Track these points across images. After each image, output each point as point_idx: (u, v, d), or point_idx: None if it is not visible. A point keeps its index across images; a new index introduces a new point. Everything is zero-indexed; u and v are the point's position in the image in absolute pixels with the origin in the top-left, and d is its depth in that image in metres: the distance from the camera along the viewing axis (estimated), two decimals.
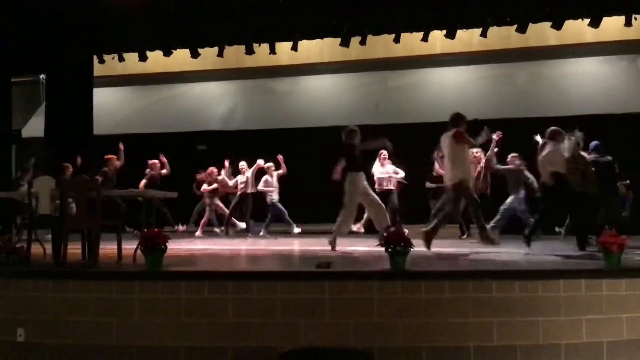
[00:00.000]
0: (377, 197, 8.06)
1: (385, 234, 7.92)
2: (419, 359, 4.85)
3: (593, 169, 8.20)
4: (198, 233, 11.78)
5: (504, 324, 4.88)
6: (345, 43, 10.97)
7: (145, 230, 5.99)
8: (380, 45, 12.12)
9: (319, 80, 14.73)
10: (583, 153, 8.35)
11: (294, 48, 11.41)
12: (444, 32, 10.62)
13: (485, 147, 9.86)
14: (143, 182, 11.52)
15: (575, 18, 10.17)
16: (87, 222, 6.23)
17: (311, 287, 4.98)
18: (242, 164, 11.42)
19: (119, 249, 6.47)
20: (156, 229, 5.75)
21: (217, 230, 12.06)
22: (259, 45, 11.44)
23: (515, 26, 10.36)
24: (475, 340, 4.87)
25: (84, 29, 11.09)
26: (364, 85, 14.26)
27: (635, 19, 9.92)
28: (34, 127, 14.16)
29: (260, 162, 11.55)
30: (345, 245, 9.10)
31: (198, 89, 15.33)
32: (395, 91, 13.86)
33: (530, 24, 10.23)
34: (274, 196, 11.60)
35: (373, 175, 10.82)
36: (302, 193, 11.62)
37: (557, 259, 6.45)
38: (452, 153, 7.49)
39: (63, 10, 10.67)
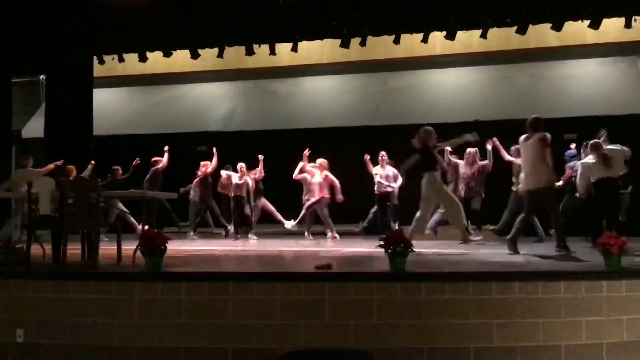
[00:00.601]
0: (453, 196, 8.03)
1: (463, 233, 8.01)
2: None
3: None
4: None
5: (504, 326, 4.88)
6: (345, 44, 10.98)
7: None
8: (381, 47, 12.13)
9: (319, 82, 14.73)
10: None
11: (294, 49, 11.42)
12: (444, 33, 10.64)
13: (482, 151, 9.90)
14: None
15: (575, 19, 10.18)
16: (87, 222, 6.22)
17: (311, 288, 4.97)
18: (242, 165, 11.38)
19: (119, 249, 6.46)
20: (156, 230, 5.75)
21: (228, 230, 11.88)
22: (259, 46, 11.45)
23: (515, 27, 10.38)
24: (476, 342, 4.86)
25: (84, 29, 11.09)
26: (364, 86, 14.26)
27: (635, 20, 9.93)
28: (34, 127, 14.16)
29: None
30: (345, 247, 9.11)
31: (198, 89, 15.34)
32: (395, 92, 13.86)
33: (531, 25, 10.25)
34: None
35: (373, 177, 10.76)
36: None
37: (557, 260, 6.45)
38: (539, 157, 7.20)
39: (63, 11, 10.67)
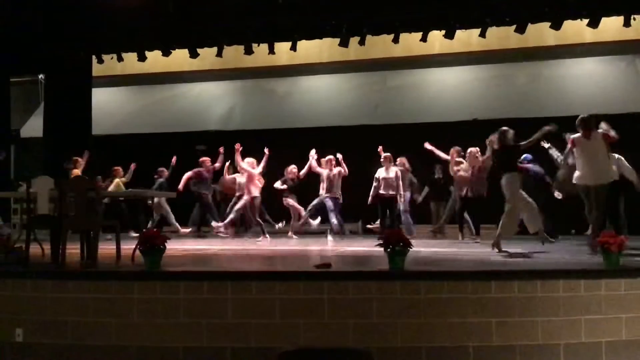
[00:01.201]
0: (529, 198, 8.04)
1: (541, 234, 7.98)
2: (418, 359, 4.85)
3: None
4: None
5: (503, 324, 4.89)
6: (344, 43, 10.98)
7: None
8: (379, 46, 12.12)
9: (317, 81, 14.73)
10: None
11: (293, 48, 11.41)
12: (443, 32, 10.63)
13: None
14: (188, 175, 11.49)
15: (574, 18, 10.18)
16: (86, 222, 6.22)
17: (310, 287, 4.98)
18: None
19: (118, 249, 6.46)
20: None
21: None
22: (258, 46, 11.44)
23: (514, 26, 10.37)
24: (475, 341, 4.87)
25: (83, 29, 11.08)
26: (363, 85, 14.26)
27: (634, 19, 9.93)
28: (33, 127, 14.15)
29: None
30: (344, 246, 9.11)
31: (197, 89, 15.33)
32: (394, 91, 13.86)
33: (530, 24, 10.25)
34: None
35: (378, 180, 10.66)
36: (302, 193, 11.60)
37: (556, 259, 6.45)
38: (603, 154, 7.41)
39: (62, 11, 10.66)
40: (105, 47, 11.86)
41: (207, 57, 12.11)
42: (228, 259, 7.33)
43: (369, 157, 10.83)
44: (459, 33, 10.67)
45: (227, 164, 11.65)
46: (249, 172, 10.61)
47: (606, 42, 11.96)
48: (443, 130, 11.68)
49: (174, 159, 11.76)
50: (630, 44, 12.09)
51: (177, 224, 11.51)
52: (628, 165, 8.52)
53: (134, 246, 5.95)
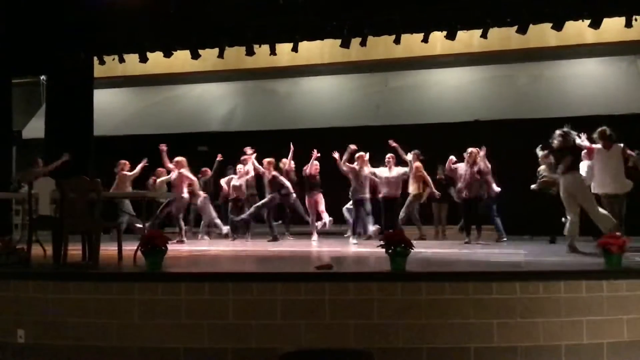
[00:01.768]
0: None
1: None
2: None
3: None
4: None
5: (505, 325, 4.88)
6: (345, 44, 10.97)
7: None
8: (381, 46, 12.11)
9: (319, 82, 14.73)
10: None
11: (295, 49, 11.40)
12: (445, 33, 10.61)
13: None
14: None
15: (575, 19, 10.16)
16: (87, 223, 6.23)
17: (311, 288, 4.98)
18: (240, 167, 11.32)
19: (119, 250, 6.47)
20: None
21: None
22: (260, 47, 11.43)
23: (515, 27, 10.35)
24: (476, 342, 4.87)
25: (85, 30, 11.08)
26: (364, 86, 14.26)
27: (636, 19, 9.91)
28: (35, 128, 14.16)
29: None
30: (345, 247, 9.11)
31: (198, 90, 15.34)
32: (395, 92, 13.86)
33: (531, 25, 10.22)
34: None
35: (380, 180, 10.66)
36: (303, 193, 11.58)
37: (558, 260, 6.45)
38: (621, 166, 8.06)
39: (63, 11, 10.67)
40: (107, 48, 11.85)
41: (209, 58, 12.10)
42: (229, 260, 7.33)
43: (370, 158, 10.82)
44: (460, 34, 10.65)
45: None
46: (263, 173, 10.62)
47: (608, 42, 11.94)
48: (444, 131, 11.69)
49: (219, 156, 11.58)
50: (632, 45, 12.06)
51: (221, 224, 11.36)
52: None
53: (135, 247, 5.95)
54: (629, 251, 5.61)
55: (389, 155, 10.55)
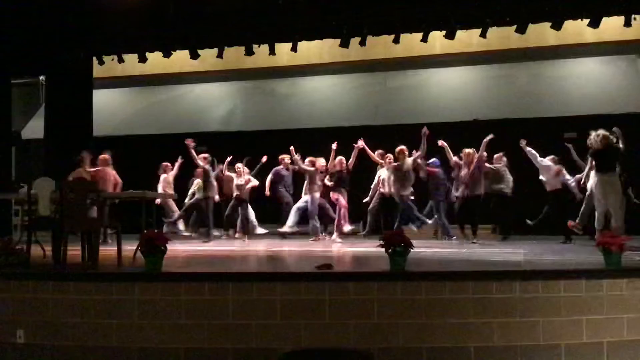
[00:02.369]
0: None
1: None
2: None
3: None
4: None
5: (505, 325, 4.88)
6: (344, 44, 10.97)
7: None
8: (380, 46, 12.10)
9: (318, 81, 14.71)
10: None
11: (294, 49, 11.40)
12: (444, 32, 10.62)
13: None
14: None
15: (574, 18, 10.17)
16: (87, 223, 6.22)
17: (311, 288, 4.98)
18: (239, 166, 11.31)
19: (119, 250, 6.46)
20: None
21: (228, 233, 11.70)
22: (259, 47, 11.43)
23: (514, 26, 10.36)
24: (476, 341, 4.87)
25: (84, 30, 11.08)
26: (363, 86, 14.25)
27: (635, 19, 9.92)
28: (34, 128, 14.15)
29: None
30: (346, 246, 9.11)
31: (198, 90, 15.32)
32: (394, 92, 13.85)
33: (530, 24, 10.23)
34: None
35: (381, 180, 10.66)
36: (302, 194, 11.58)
37: (558, 259, 6.45)
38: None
39: (62, 12, 10.66)
40: (106, 48, 11.85)
41: (208, 58, 12.10)
42: (229, 260, 7.33)
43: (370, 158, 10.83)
44: (459, 33, 10.66)
45: (225, 164, 11.56)
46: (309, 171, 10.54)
47: (607, 42, 11.94)
48: (443, 130, 11.66)
49: (264, 158, 11.50)
50: (631, 44, 12.06)
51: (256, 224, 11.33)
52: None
53: (135, 247, 5.95)
54: (629, 250, 5.61)
55: (388, 155, 10.55)
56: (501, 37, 11.54)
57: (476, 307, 4.90)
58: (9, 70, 12.01)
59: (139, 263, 5.79)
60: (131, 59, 12.16)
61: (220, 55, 11.66)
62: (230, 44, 11.48)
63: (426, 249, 7.89)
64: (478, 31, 10.68)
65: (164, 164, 11.46)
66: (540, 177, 9.77)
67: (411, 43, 11.60)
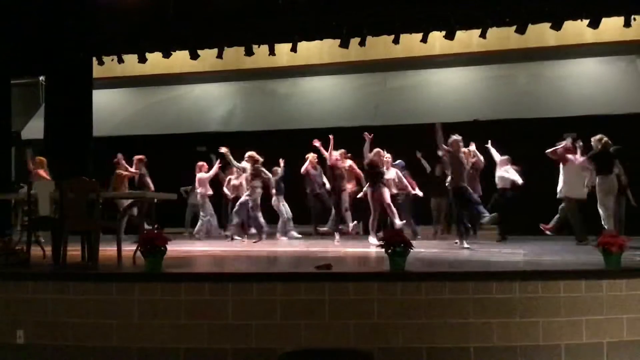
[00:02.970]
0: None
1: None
2: None
3: None
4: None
5: (504, 325, 4.88)
6: (344, 44, 10.97)
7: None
8: (380, 46, 12.10)
9: (318, 82, 14.72)
10: None
11: (294, 49, 11.40)
12: (444, 33, 10.62)
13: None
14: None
15: (574, 19, 10.17)
16: (87, 223, 6.22)
17: (311, 288, 4.98)
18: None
19: (119, 250, 6.46)
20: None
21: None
22: (259, 47, 11.43)
23: (514, 27, 10.36)
24: (476, 341, 4.87)
25: (83, 30, 11.08)
26: (363, 86, 14.26)
27: (634, 19, 9.93)
28: (34, 129, 14.15)
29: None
30: (346, 247, 9.10)
31: (197, 90, 15.33)
32: (394, 92, 13.85)
33: (530, 24, 10.23)
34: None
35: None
36: (302, 195, 11.58)
37: (557, 260, 6.45)
38: None
39: (62, 12, 10.67)
40: (106, 48, 11.85)
41: (208, 58, 12.10)
42: (229, 260, 7.33)
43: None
44: (459, 34, 10.66)
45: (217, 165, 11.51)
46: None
47: (607, 42, 11.95)
48: (443, 130, 11.67)
49: (282, 161, 11.49)
50: (631, 45, 12.07)
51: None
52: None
53: (135, 247, 5.95)
54: (629, 250, 5.61)
55: (387, 155, 10.54)
56: (501, 37, 11.55)
57: (476, 307, 4.90)
58: (8, 71, 12.01)
59: (139, 263, 5.79)
60: (131, 59, 12.17)
61: (220, 56, 11.66)
62: (230, 44, 11.48)
63: (426, 249, 7.89)
64: (478, 31, 10.68)
65: (199, 163, 11.39)
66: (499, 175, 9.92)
67: (411, 43, 11.61)
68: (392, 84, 14.03)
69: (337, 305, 4.93)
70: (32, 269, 5.86)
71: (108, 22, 10.71)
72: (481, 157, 9.72)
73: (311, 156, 11.18)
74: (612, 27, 10.67)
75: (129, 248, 6.52)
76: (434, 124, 9.22)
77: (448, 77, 13.93)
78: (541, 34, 11.37)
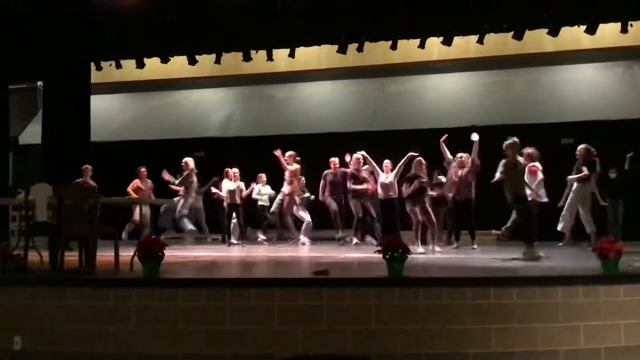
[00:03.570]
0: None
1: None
2: None
3: None
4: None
5: (502, 331, 4.88)
6: (342, 50, 11.00)
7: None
8: (378, 52, 12.14)
9: (316, 87, 14.74)
10: None
11: (292, 55, 11.43)
12: (441, 38, 10.66)
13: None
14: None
15: (571, 25, 10.22)
16: (84, 229, 6.21)
17: (309, 294, 4.97)
18: (235, 171, 11.27)
19: (117, 256, 6.45)
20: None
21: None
22: (257, 52, 11.46)
23: (512, 33, 10.40)
24: (474, 347, 4.86)
25: (82, 35, 11.10)
26: (361, 91, 14.28)
27: (631, 25, 9.97)
28: (32, 133, 14.14)
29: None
30: (343, 252, 9.10)
31: (195, 95, 15.34)
32: (392, 98, 13.87)
33: (527, 30, 10.27)
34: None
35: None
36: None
37: (555, 266, 6.45)
38: None
39: (61, 17, 10.68)
40: (104, 54, 11.87)
41: (206, 63, 12.12)
42: (226, 266, 7.32)
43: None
44: (456, 40, 10.70)
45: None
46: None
47: (604, 48, 11.99)
48: (441, 136, 11.69)
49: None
50: (628, 50, 12.13)
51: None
52: None
53: (132, 253, 5.94)
54: (626, 256, 5.62)
55: (386, 161, 10.55)
56: (498, 43, 11.59)
57: (474, 313, 4.90)
58: (6, 76, 12.02)
59: (137, 269, 5.78)
60: (129, 64, 12.18)
61: (218, 61, 11.68)
62: (228, 49, 11.50)
63: (424, 255, 7.89)
64: (475, 37, 10.72)
65: (226, 170, 11.34)
66: None
67: (409, 49, 11.64)
68: (390, 89, 14.05)
69: (335, 311, 4.93)
70: (29, 275, 5.84)
71: (106, 27, 10.72)
72: (477, 160, 9.71)
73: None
74: (609, 33, 10.72)
75: (126, 253, 6.51)
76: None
77: (446, 83, 13.96)
78: (538, 40, 11.41)
